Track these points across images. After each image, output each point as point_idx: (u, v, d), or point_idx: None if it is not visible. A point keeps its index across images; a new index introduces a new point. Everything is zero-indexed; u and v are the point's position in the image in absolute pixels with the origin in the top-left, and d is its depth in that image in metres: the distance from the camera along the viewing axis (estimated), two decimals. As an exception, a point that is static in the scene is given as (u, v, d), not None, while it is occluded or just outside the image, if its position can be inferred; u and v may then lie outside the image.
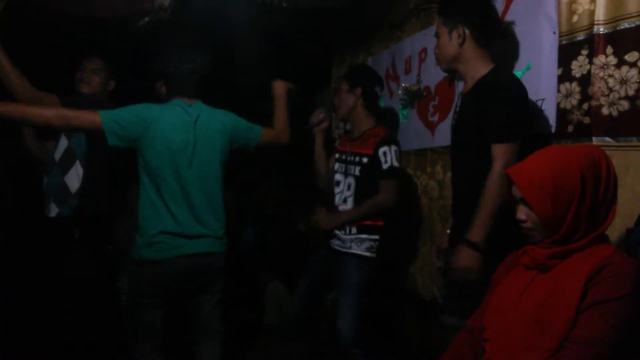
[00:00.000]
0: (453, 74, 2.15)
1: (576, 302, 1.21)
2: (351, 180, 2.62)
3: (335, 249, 2.63)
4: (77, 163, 2.70)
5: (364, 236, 2.55)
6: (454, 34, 1.97)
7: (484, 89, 1.90)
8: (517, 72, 2.15)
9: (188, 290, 2.25)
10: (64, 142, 2.71)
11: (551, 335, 1.22)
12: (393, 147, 2.55)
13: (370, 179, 2.56)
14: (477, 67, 1.95)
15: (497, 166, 1.78)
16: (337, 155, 2.77)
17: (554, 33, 1.99)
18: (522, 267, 1.40)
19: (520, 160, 1.39)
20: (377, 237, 2.56)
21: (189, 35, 2.33)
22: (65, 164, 2.70)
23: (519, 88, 1.86)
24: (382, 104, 3.38)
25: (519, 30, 2.18)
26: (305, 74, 4.14)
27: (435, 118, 2.81)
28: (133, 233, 2.20)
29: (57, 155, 2.71)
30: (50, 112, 2.00)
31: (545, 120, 2.01)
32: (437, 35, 2.05)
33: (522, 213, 1.35)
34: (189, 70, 2.21)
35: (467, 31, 1.95)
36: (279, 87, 2.55)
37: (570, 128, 1.91)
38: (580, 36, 1.89)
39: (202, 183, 2.18)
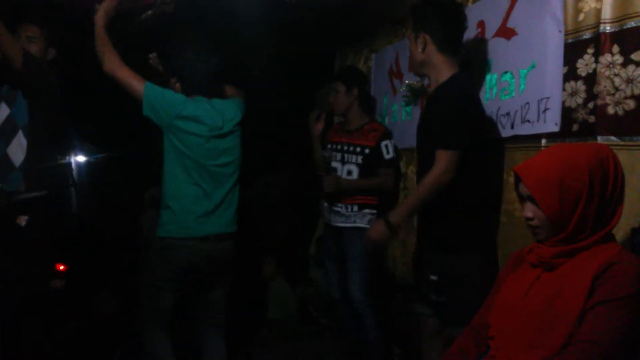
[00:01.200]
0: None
1: (582, 300, 1.21)
2: (352, 167, 2.96)
3: (338, 226, 2.95)
4: (20, 133, 2.43)
5: (365, 211, 2.90)
6: (419, 41, 2.11)
7: (437, 96, 2.10)
8: (522, 70, 2.15)
9: (205, 274, 2.40)
10: (4, 110, 2.45)
11: (556, 333, 1.23)
12: (392, 141, 2.97)
13: (371, 166, 2.93)
14: (440, 72, 2.10)
15: (436, 169, 1.98)
16: (331, 145, 3.06)
17: (560, 31, 1.98)
18: (528, 264, 1.41)
19: (527, 163, 1.39)
20: (375, 211, 2.91)
21: (201, 34, 2.37)
22: (7, 134, 2.43)
23: (464, 101, 2.05)
24: (385, 99, 3.38)
25: (523, 29, 2.17)
26: (307, 70, 4.14)
27: (438, 115, 2.81)
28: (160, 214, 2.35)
29: None
30: (116, 56, 2.26)
31: (549, 119, 2.01)
32: (409, 40, 2.20)
33: (528, 211, 1.35)
34: (204, 71, 2.36)
35: (428, 38, 2.09)
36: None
37: (575, 127, 1.91)
38: (587, 35, 1.88)
39: (227, 168, 2.40)
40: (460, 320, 1.77)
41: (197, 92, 2.38)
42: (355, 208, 2.91)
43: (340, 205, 2.95)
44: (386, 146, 2.92)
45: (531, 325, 1.28)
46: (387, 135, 2.97)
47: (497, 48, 2.32)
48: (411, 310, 2.35)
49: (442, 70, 2.10)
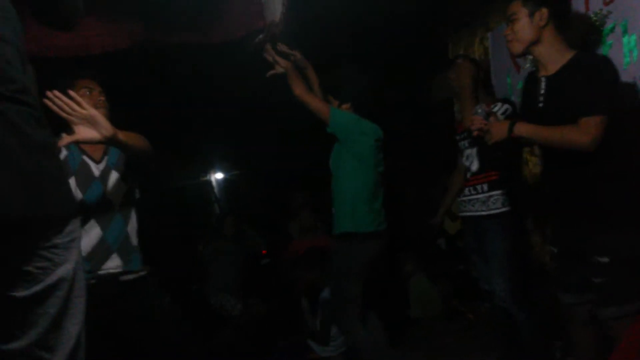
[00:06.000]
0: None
1: None
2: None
3: (471, 215, 2.73)
4: (133, 210, 2.10)
5: (495, 192, 2.60)
6: (536, 16, 1.91)
7: (579, 69, 1.84)
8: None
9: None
10: (123, 186, 2.07)
11: None
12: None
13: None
14: (560, 51, 1.91)
15: (583, 131, 1.77)
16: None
17: None
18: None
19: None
20: (503, 190, 2.61)
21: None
22: (126, 211, 2.07)
23: (615, 68, 1.84)
24: (508, 78, 3.17)
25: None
26: (422, 55, 4.03)
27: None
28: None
29: (116, 197, 2.04)
30: (303, 85, 2.67)
31: None
32: (512, 18, 1.97)
33: None
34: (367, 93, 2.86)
35: (547, 13, 1.90)
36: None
37: None
38: None
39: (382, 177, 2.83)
40: (620, 299, 1.77)
41: (362, 115, 2.77)
42: (486, 187, 2.65)
43: (469, 189, 2.73)
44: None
45: None
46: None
47: (631, 6, 2.06)
48: (560, 301, 2.12)
49: (561, 48, 1.91)
